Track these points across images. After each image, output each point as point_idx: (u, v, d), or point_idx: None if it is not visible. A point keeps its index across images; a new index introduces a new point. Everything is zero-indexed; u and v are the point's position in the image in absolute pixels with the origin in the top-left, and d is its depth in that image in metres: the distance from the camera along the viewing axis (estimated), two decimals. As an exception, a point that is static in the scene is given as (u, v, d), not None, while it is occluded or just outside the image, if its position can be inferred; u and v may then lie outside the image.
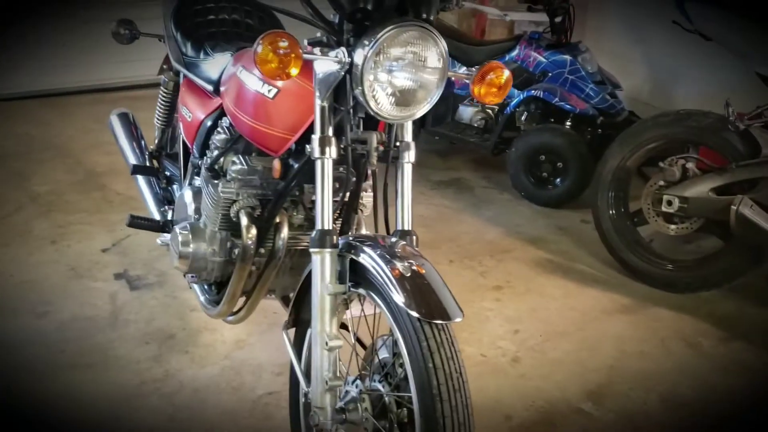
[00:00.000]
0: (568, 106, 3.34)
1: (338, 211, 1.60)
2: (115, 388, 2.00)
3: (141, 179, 2.47)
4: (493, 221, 3.25)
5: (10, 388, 1.98)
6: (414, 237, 1.48)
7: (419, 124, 3.60)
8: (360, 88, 1.34)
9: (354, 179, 1.54)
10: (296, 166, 1.61)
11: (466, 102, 3.70)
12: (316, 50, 1.38)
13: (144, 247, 2.75)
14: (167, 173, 2.47)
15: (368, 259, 1.34)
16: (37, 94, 4.27)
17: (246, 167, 1.69)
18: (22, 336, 2.17)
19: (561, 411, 2.06)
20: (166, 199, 2.43)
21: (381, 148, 1.48)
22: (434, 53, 1.36)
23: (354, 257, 1.38)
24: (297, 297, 1.59)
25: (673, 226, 2.65)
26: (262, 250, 1.75)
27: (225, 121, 1.82)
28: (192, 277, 1.89)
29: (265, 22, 2.31)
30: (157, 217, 2.33)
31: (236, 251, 1.80)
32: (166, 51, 2.60)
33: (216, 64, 1.99)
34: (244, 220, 1.69)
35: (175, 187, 2.43)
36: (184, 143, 2.19)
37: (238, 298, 1.83)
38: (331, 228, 1.41)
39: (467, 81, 1.51)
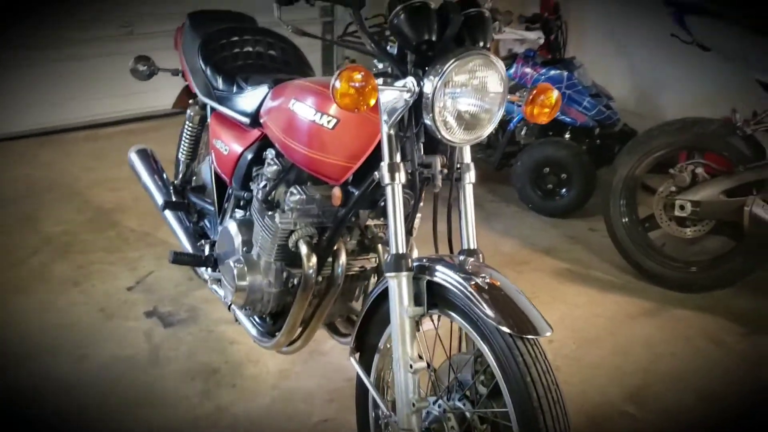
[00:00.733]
0: (569, 120, 3.46)
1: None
2: (172, 426, 1.99)
3: (170, 215, 2.47)
4: (506, 234, 3.32)
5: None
6: (480, 255, 1.52)
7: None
8: (431, 114, 1.39)
9: (411, 202, 1.59)
10: (356, 192, 1.64)
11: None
12: (379, 80, 1.43)
13: (168, 282, 2.74)
14: (197, 207, 2.47)
15: (446, 278, 1.38)
16: (29, 134, 4.22)
17: (304, 197, 1.70)
18: (67, 381, 2.15)
19: (607, 414, 2.13)
20: (197, 233, 2.43)
21: (445, 171, 1.53)
22: (496, 78, 1.42)
23: (430, 278, 1.42)
24: (362, 322, 1.62)
25: (688, 230, 2.75)
26: (320, 278, 1.78)
27: (271, 153, 1.84)
28: (247, 309, 1.90)
29: (287, 53, 2.35)
30: (191, 251, 2.34)
31: (293, 281, 1.83)
32: (182, 85, 2.63)
33: (252, 97, 2.02)
34: (304, 249, 1.72)
35: (206, 220, 2.43)
36: (217, 176, 2.21)
37: (297, 328, 1.84)
38: (405, 252, 1.44)
39: (520, 103, 1.57)
